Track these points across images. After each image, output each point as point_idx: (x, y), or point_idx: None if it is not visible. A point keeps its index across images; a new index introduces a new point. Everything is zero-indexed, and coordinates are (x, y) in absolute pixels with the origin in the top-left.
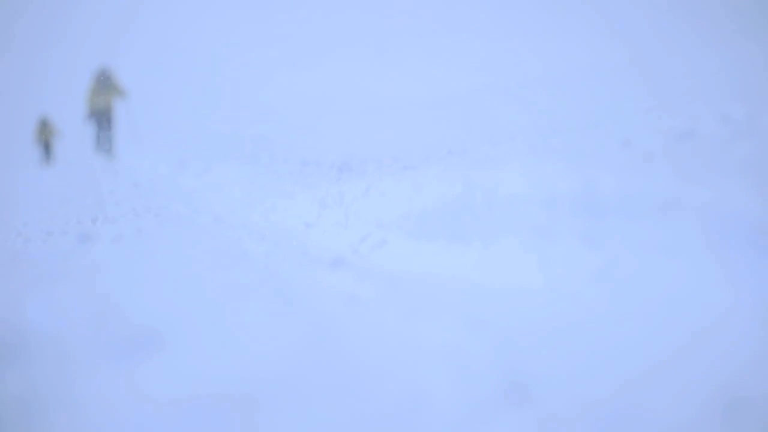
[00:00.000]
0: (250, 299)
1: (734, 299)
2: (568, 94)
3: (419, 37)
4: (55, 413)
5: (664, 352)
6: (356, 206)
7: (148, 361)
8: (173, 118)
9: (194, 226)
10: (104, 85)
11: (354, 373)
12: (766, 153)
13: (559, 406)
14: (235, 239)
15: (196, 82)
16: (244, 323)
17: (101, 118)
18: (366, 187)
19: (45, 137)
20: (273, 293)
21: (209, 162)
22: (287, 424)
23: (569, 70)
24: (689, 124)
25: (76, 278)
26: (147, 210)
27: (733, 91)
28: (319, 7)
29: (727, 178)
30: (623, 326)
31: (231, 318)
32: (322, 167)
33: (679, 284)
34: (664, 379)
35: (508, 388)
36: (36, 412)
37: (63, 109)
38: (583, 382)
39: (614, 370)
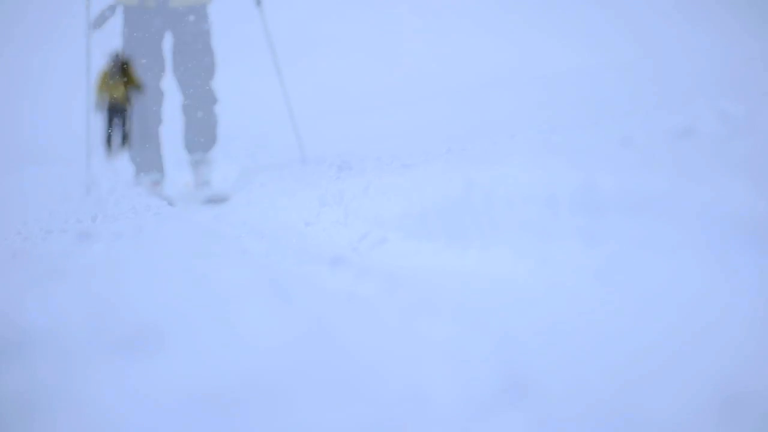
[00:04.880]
0: (249, 297)
1: (734, 297)
2: (568, 91)
3: (418, 34)
4: (56, 411)
5: (664, 350)
6: (356, 204)
7: (148, 359)
8: (172, 116)
9: (194, 225)
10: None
11: (353, 370)
12: (766, 151)
13: (559, 404)
14: (235, 237)
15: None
16: (244, 321)
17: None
18: (365, 185)
19: (118, 94)
20: (272, 291)
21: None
22: (286, 422)
23: (568, 67)
24: (689, 121)
25: (75, 276)
26: (147, 208)
27: (733, 88)
28: (317, 4)
29: (727, 176)
30: (623, 324)
31: (230, 316)
32: (322, 165)
33: (679, 282)
34: (663, 377)
35: (508, 387)
36: (36, 410)
37: (63, 107)
38: (582, 380)
39: (614, 368)
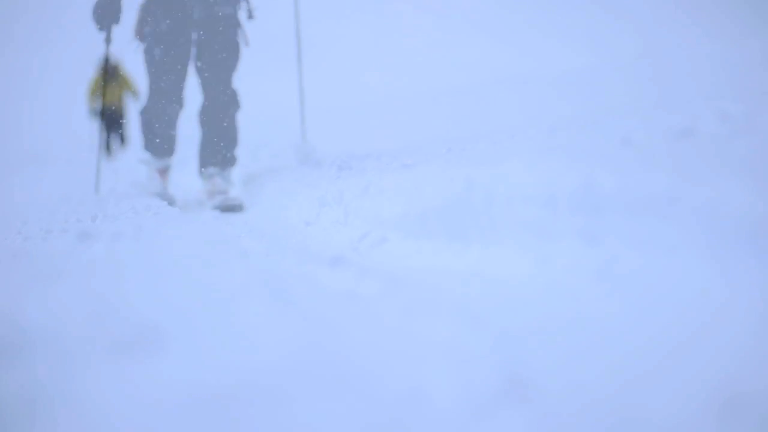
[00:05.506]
0: (249, 297)
1: (733, 297)
2: (568, 91)
3: (418, 34)
4: (56, 411)
5: (663, 349)
6: (356, 204)
7: (148, 359)
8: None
9: (194, 225)
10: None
11: (353, 370)
12: (766, 151)
13: (559, 403)
14: (235, 237)
15: (195, 80)
16: (244, 321)
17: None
18: (365, 185)
19: (113, 98)
20: (272, 291)
21: None
22: (286, 422)
23: (568, 67)
24: (689, 121)
25: (75, 276)
26: (147, 208)
27: (733, 88)
28: (317, 4)
29: (726, 176)
30: (622, 324)
31: (231, 316)
32: (322, 165)
33: (679, 282)
34: (663, 376)
35: (507, 386)
36: (36, 410)
37: (63, 107)
38: (582, 379)
39: (613, 368)
